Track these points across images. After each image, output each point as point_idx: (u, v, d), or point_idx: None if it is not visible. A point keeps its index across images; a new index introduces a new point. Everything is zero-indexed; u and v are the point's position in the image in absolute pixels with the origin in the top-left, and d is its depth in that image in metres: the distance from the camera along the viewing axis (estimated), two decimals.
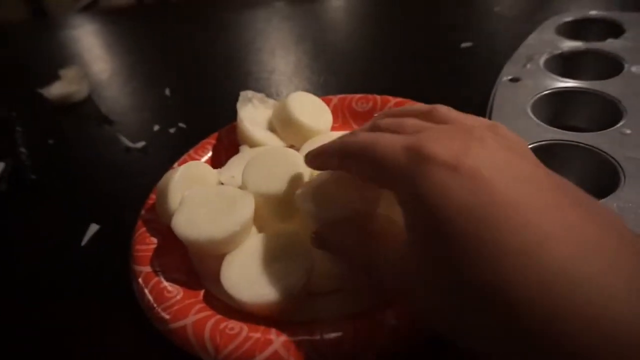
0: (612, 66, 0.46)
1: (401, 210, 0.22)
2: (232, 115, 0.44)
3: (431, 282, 0.20)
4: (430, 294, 0.20)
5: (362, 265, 0.26)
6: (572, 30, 0.55)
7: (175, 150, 0.46)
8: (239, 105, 0.45)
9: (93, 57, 0.92)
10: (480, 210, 0.18)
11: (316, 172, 0.33)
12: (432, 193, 0.19)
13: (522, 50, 0.51)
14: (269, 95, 0.48)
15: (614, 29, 0.52)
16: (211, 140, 0.47)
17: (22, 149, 0.58)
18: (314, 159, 0.30)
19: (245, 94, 0.46)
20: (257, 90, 0.47)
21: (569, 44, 0.51)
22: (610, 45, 0.49)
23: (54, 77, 0.72)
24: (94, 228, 0.44)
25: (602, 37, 0.51)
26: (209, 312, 0.30)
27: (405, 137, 0.22)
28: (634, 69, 0.44)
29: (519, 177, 0.19)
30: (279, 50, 0.79)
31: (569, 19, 0.57)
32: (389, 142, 0.23)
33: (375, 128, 0.27)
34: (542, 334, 0.16)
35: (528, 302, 0.16)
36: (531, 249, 0.17)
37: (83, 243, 0.42)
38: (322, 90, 0.63)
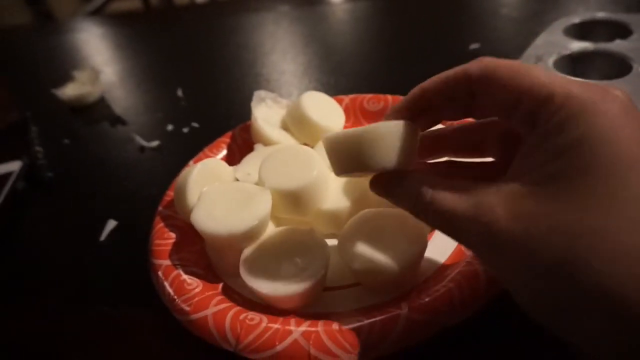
0: (620, 67, 0.46)
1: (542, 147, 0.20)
2: (244, 115, 0.45)
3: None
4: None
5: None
6: (580, 31, 0.56)
7: (189, 149, 0.47)
8: (253, 104, 0.46)
9: (104, 59, 0.93)
10: None
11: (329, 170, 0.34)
12: (610, 129, 0.18)
13: (531, 52, 0.52)
14: (280, 96, 0.49)
15: (621, 31, 0.53)
16: (225, 139, 0.47)
17: (38, 148, 0.59)
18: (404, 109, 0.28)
19: (258, 94, 0.47)
20: (268, 91, 0.48)
21: (577, 45, 0.51)
22: (618, 46, 0.50)
23: (67, 79, 0.74)
24: (111, 224, 0.45)
25: (609, 39, 0.51)
26: (228, 304, 0.31)
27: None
28: None
29: None
30: (288, 52, 0.80)
31: (576, 20, 0.57)
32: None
33: None
34: None
35: None
36: None
37: (102, 238, 0.43)
38: (332, 90, 0.63)
